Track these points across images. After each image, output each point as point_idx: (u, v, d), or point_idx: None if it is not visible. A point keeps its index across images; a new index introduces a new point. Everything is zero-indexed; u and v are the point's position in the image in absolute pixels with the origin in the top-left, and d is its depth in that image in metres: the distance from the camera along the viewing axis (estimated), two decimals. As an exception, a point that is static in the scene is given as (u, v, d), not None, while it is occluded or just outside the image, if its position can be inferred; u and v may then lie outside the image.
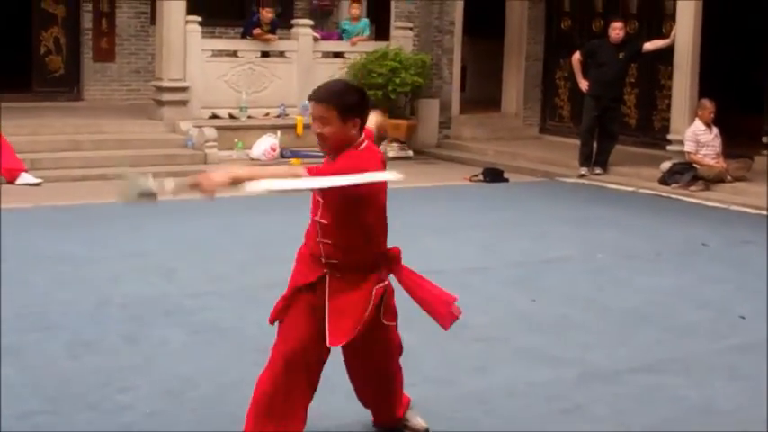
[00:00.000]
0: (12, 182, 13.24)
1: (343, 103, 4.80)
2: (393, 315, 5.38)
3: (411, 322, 7.92)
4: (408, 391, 6.50)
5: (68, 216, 11.67)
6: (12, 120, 14.33)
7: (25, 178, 13.32)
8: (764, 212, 12.93)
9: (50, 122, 15.28)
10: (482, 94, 19.72)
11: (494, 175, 15.49)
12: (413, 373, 6.79)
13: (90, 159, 14.40)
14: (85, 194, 12.88)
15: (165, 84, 15.85)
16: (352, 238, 4.94)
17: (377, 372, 5.45)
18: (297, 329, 5.03)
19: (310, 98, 4.92)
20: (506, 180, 15.45)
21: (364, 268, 5.00)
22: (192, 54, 15.99)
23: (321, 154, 15.29)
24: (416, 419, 5.70)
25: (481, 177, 15.44)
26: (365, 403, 5.64)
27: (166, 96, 15.83)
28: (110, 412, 5.93)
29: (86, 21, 18.27)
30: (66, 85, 18.28)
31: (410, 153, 17.36)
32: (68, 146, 14.65)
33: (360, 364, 5.38)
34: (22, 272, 9.01)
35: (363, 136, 4.97)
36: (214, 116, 16.21)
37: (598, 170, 15.47)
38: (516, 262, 10.07)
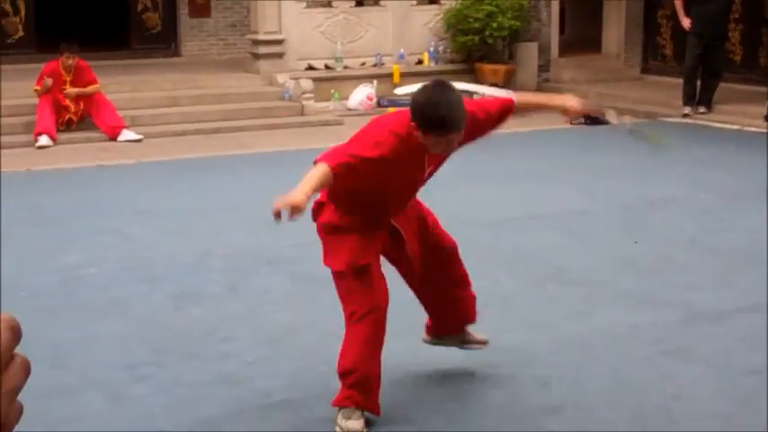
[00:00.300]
0: (113, 138, 13.50)
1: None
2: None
3: (512, 266, 8.01)
4: (507, 336, 6.56)
5: (169, 170, 11.88)
6: (111, 77, 14.59)
7: (126, 135, 13.54)
8: None
9: (149, 79, 15.50)
10: (581, 35, 19.50)
11: (595, 117, 15.32)
12: (511, 318, 6.87)
13: (188, 114, 14.60)
14: (185, 149, 13.09)
15: (261, 37, 15.94)
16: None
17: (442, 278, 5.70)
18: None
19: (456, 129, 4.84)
20: (608, 122, 15.28)
21: None
22: (287, 6, 16.04)
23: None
24: (478, 335, 5.90)
25: (582, 120, 15.28)
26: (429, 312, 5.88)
27: (262, 49, 15.93)
28: (213, 361, 6.08)
29: (182, -23, 18.46)
30: (164, 42, 18.47)
31: (509, 98, 17.26)
32: (167, 102, 14.84)
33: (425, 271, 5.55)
34: (126, 226, 9.22)
35: None
36: (310, 67, 16.29)
37: (702, 109, 15.25)
38: (618, 204, 10.01)
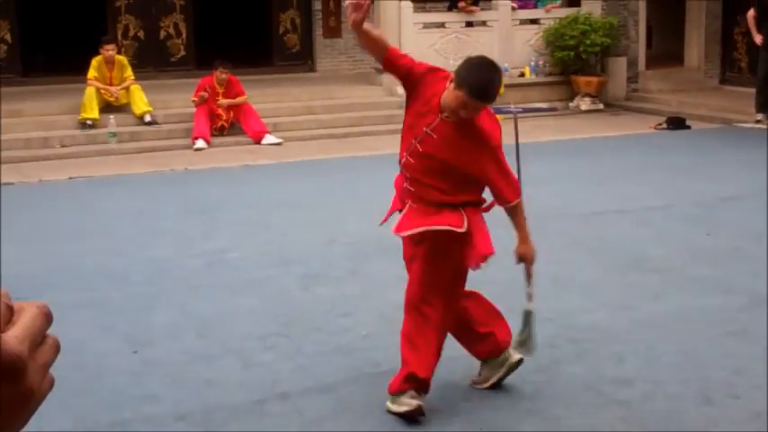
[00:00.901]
0: (258, 142, 13.68)
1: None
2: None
3: (596, 254, 7.90)
4: (589, 315, 6.48)
5: (304, 169, 12.01)
6: (257, 90, 14.79)
7: (268, 139, 13.71)
8: None
9: (288, 91, 15.68)
10: (666, 50, 19.08)
11: (676, 122, 15.06)
12: (594, 300, 6.79)
13: (321, 121, 14.73)
14: (317, 151, 13.21)
15: (385, 54, 15.97)
16: None
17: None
18: None
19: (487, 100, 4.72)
20: (688, 127, 15.00)
21: None
22: (406, 27, 16.08)
23: (520, 109, 15.03)
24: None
25: (665, 125, 15.04)
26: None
27: (385, 65, 15.97)
28: (332, 334, 6.13)
29: (316, 3, 18.56)
30: (302, 59, 18.65)
31: (601, 106, 17.00)
32: (304, 110, 14.99)
33: None
34: (264, 217, 9.36)
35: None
36: (426, 80, 16.25)
37: (773, 116, 14.85)
38: (694, 200, 9.79)
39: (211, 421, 4.95)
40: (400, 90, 15.58)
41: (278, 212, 9.53)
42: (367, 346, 5.75)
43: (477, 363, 5.36)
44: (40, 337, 0.71)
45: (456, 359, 5.36)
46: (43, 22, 17.43)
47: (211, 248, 8.22)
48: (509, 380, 5.40)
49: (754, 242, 8.20)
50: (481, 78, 4.64)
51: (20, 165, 12.33)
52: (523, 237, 5.17)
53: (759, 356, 5.70)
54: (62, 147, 13.25)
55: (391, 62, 4.90)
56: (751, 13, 15.06)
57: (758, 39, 14.89)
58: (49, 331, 0.76)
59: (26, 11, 16.81)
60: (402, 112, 15.68)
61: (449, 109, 4.72)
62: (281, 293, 6.99)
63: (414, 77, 4.87)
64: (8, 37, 16.56)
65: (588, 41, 16.62)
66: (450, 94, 4.68)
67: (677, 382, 5.36)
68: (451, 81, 4.70)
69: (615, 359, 5.73)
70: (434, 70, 4.93)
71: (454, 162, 4.83)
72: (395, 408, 4.91)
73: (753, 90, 15.36)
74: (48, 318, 0.72)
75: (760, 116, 14.83)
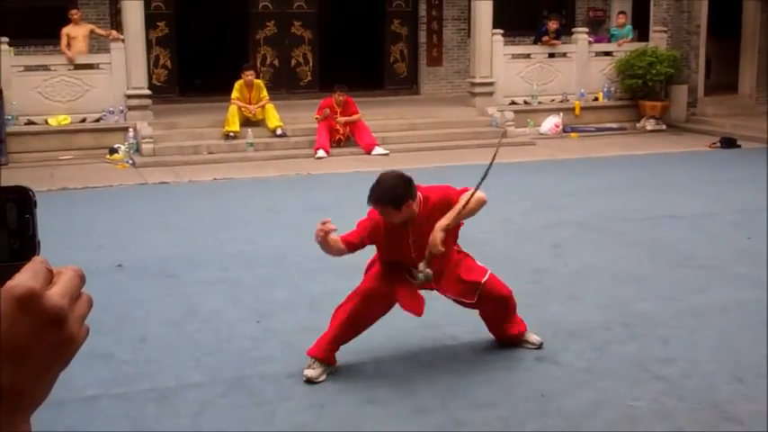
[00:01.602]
0: (368, 153, 13.78)
1: (395, 200, 4.81)
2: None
3: (651, 253, 7.77)
4: (642, 303, 6.38)
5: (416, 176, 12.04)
6: (369, 109, 14.90)
7: (377, 150, 13.80)
8: None
9: (396, 110, 15.74)
10: (722, 80, 18.54)
11: (729, 142, 14.65)
12: (646, 291, 6.68)
13: (423, 136, 14.72)
14: (418, 161, 13.22)
15: (478, 80, 15.94)
16: None
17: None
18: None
19: (371, 202, 4.87)
20: (739, 146, 14.57)
21: None
22: (497, 57, 15.99)
23: (593, 128, 14.86)
24: (532, 336, 5.49)
25: (719, 145, 14.64)
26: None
27: (478, 89, 15.93)
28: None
29: (422, 37, 18.61)
30: (408, 84, 18.71)
31: (663, 127, 16.63)
32: (408, 126, 15.02)
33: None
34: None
35: (416, 193, 4.97)
36: (513, 102, 16.17)
37: (816, 137, 14.33)
38: (739, 209, 9.53)
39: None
40: (490, 110, 15.61)
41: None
42: (446, 322, 5.77)
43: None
44: (76, 294, 0.74)
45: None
46: (197, 51, 17.90)
47: (325, 239, 8.32)
48: (568, 355, 5.37)
49: (791, 246, 7.97)
50: (371, 191, 4.87)
51: (174, 167, 12.69)
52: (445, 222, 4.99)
53: (787, 343, 5.55)
54: (209, 153, 13.58)
55: (353, 245, 5.05)
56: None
57: (804, 70, 14.42)
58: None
59: (183, 41, 17.27)
60: (490, 129, 15.52)
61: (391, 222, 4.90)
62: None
63: (370, 233, 5.04)
64: (168, 63, 17.05)
65: (654, 71, 16.31)
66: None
67: (713, 362, 5.26)
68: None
69: (661, 341, 5.64)
70: (368, 216, 5.10)
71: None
72: None
73: (798, 115, 14.86)
74: (82, 278, 0.76)
75: (804, 138, 14.35)
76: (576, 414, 4.61)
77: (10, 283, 0.71)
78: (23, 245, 0.77)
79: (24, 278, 0.71)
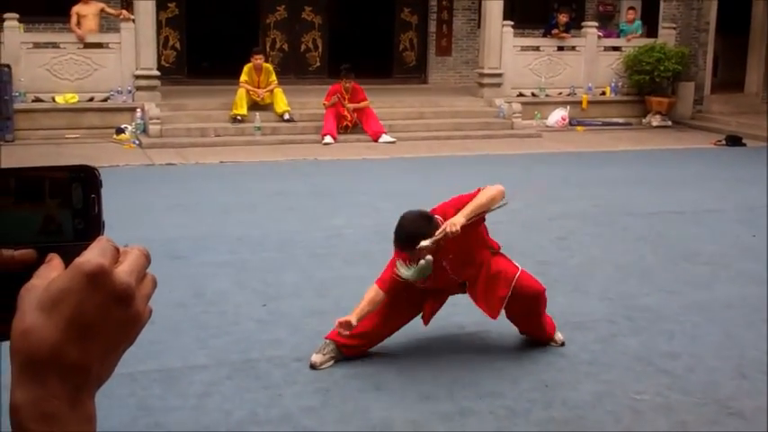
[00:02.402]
0: (375, 140, 13.76)
1: (415, 244, 4.74)
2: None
3: (656, 247, 7.76)
4: (646, 298, 6.38)
5: (413, 164, 12.04)
6: (378, 97, 14.86)
7: (384, 138, 13.77)
8: None
9: (404, 99, 15.68)
10: (729, 78, 18.51)
11: (734, 140, 14.63)
12: (651, 285, 6.68)
13: (430, 125, 14.72)
14: (425, 150, 13.24)
15: (486, 71, 15.90)
16: None
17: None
18: None
19: (398, 248, 4.85)
20: (744, 145, 14.54)
21: None
22: (506, 49, 15.93)
23: (600, 123, 14.76)
24: (558, 335, 5.44)
25: (724, 142, 14.62)
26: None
27: (486, 80, 15.89)
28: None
29: (432, 26, 18.56)
30: (417, 73, 18.66)
31: (669, 123, 16.60)
32: (415, 115, 15.00)
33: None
34: (377, 202, 9.39)
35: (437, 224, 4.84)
36: (520, 94, 16.13)
37: (822, 137, 14.31)
38: (744, 206, 9.52)
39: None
40: (497, 102, 15.57)
41: (387, 199, 9.57)
42: (453, 312, 5.77)
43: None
44: (142, 273, 0.73)
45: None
46: (206, 34, 17.85)
47: (332, 225, 8.34)
48: (572, 347, 5.38)
49: (796, 244, 7.96)
50: (395, 235, 4.85)
51: (181, 149, 12.68)
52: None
53: (791, 341, 5.55)
54: (216, 136, 13.57)
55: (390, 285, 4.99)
56: (807, 47, 14.55)
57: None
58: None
59: (193, 23, 17.23)
60: (497, 120, 15.47)
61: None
62: (386, 265, 7.03)
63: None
64: (178, 45, 17.01)
65: (662, 67, 16.26)
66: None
67: (717, 357, 5.26)
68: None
69: (665, 335, 5.64)
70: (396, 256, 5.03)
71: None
72: None
73: (805, 114, 14.84)
74: (147, 258, 0.75)
75: (810, 137, 14.33)
76: (581, 405, 4.61)
77: (79, 260, 0.70)
78: (88, 225, 0.76)
79: (93, 254, 0.71)
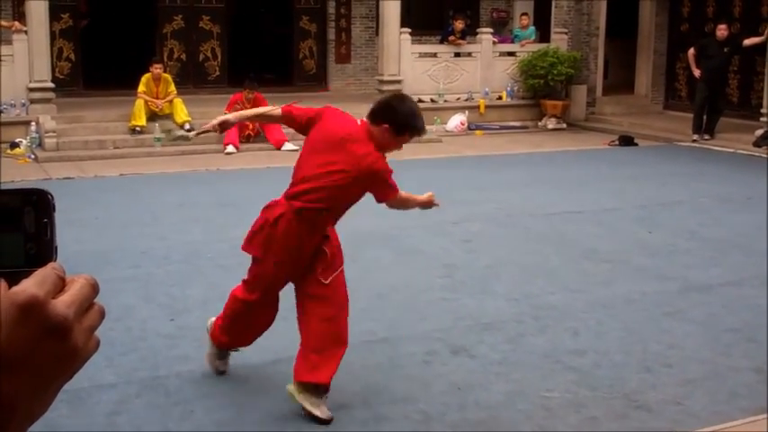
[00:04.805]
0: (278, 148, 13.63)
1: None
2: None
3: (558, 247, 7.89)
4: (551, 296, 6.47)
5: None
6: (279, 105, 14.69)
7: (287, 146, 13.63)
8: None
9: (305, 107, 15.55)
10: (620, 80, 19.04)
11: (626, 140, 15.04)
12: (555, 284, 6.78)
13: (332, 132, 14.63)
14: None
15: (385, 78, 15.96)
16: None
17: None
18: None
19: (421, 131, 4.37)
20: (636, 144, 14.97)
21: None
22: (405, 56, 16.04)
23: (497, 126, 15.01)
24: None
25: (617, 142, 15.01)
26: None
27: (386, 87, 15.90)
28: (337, 308, 6.11)
29: (331, 34, 18.53)
30: (317, 81, 18.59)
31: (564, 125, 16.98)
32: (318, 123, 14.89)
33: None
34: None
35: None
36: (420, 100, 16.19)
37: (707, 136, 14.80)
38: (639, 205, 9.79)
39: (233, 377, 4.94)
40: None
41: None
42: (364, 317, 5.74)
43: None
44: (86, 304, 0.71)
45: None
46: (102, 44, 17.41)
47: (237, 235, 8.09)
48: (482, 348, 5.40)
49: (687, 239, 8.23)
50: (418, 119, 4.33)
51: (79, 162, 12.30)
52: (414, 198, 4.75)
53: (690, 333, 5.71)
54: (115, 148, 13.23)
55: (295, 118, 4.60)
56: (691, 51, 15.09)
57: (696, 72, 14.92)
58: (100, 301, 0.76)
59: (89, 34, 16.77)
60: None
61: (392, 149, 4.38)
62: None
63: (313, 126, 4.48)
64: (72, 56, 16.52)
65: (555, 71, 16.62)
66: (393, 139, 4.33)
67: (621, 352, 5.37)
68: (388, 129, 4.26)
69: (571, 333, 5.73)
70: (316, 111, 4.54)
71: None
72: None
73: (690, 115, 15.36)
74: (94, 288, 0.72)
75: (696, 136, 14.83)
76: (493, 406, 4.64)
77: (14, 289, 0.67)
78: (40, 250, 0.74)
79: (30, 284, 0.67)
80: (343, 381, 4.89)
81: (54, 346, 0.67)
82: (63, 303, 0.68)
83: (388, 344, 5.47)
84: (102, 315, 0.72)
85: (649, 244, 8.01)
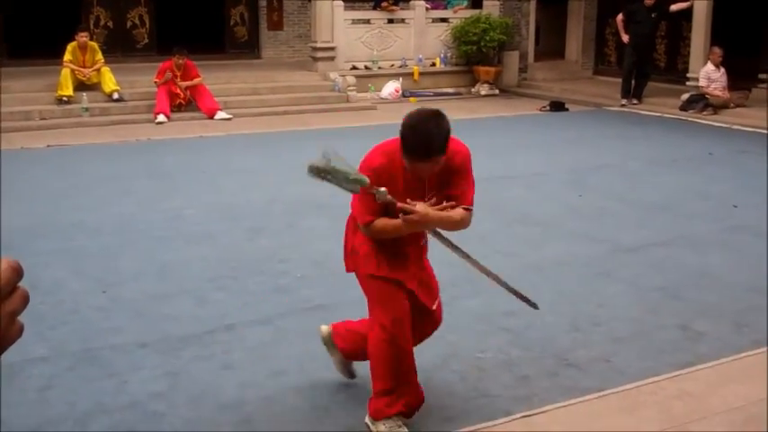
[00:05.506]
0: (211, 117, 13.50)
1: (444, 145, 3.71)
2: None
3: (491, 212, 7.98)
4: (484, 260, 6.52)
5: (250, 141, 11.90)
6: (211, 73, 14.57)
7: (220, 115, 13.54)
8: (759, 130, 12.50)
9: (238, 74, 15.43)
10: (551, 46, 19.21)
11: (558, 106, 15.22)
12: (488, 248, 6.85)
13: (265, 101, 14.54)
14: (262, 125, 13.09)
15: (319, 45, 15.86)
16: None
17: None
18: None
19: (421, 156, 3.63)
20: (567, 109, 15.17)
21: None
22: (338, 22, 15.95)
23: (431, 93, 15.01)
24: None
25: (548, 108, 15.19)
26: None
27: (320, 54, 15.86)
28: (272, 276, 6.12)
29: (262, 0, 18.30)
30: (249, 48, 18.39)
31: (497, 91, 17.11)
32: (250, 91, 14.79)
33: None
34: (216, 180, 9.26)
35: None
36: (354, 68, 16.20)
37: (635, 101, 15.10)
38: (570, 168, 9.95)
39: (169, 348, 4.92)
40: (332, 75, 15.55)
41: (227, 177, 9.45)
42: (301, 286, 5.75)
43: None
44: (9, 289, 0.68)
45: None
46: (25, 12, 16.91)
47: (171, 206, 8.12)
48: (417, 313, 5.45)
49: (616, 202, 8.40)
50: (413, 143, 3.65)
51: (4, 134, 11.98)
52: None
53: (619, 293, 5.85)
54: (41, 119, 12.93)
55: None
56: (619, 17, 15.27)
57: (625, 38, 15.14)
58: (28, 280, 0.73)
59: (12, 2, 16.28)
60: (332, 94, 15.41)
61: (418, 174, 3.81)
62: (230, 243, 6.94)
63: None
64: (-6, 25, 16.06)
65: (488, 38, 16.71)
66: (407, 163, 3.76)
67: (553, 313, 5.48)
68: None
69: (504, 295, 5.80)
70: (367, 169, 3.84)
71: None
72: None
73: (619, 80, 15.62)
74: (17, 272, 0.69)
75: (624, 101, 15.11)
76: (429, 368, 4.70)
77: None
78: None
79: None
80: (279, 347, 4.92)
81: None
82: None
83: (325, 310, 5.49)
84: (25, 300, 0.69)
85: (579, 207, 8.16)
